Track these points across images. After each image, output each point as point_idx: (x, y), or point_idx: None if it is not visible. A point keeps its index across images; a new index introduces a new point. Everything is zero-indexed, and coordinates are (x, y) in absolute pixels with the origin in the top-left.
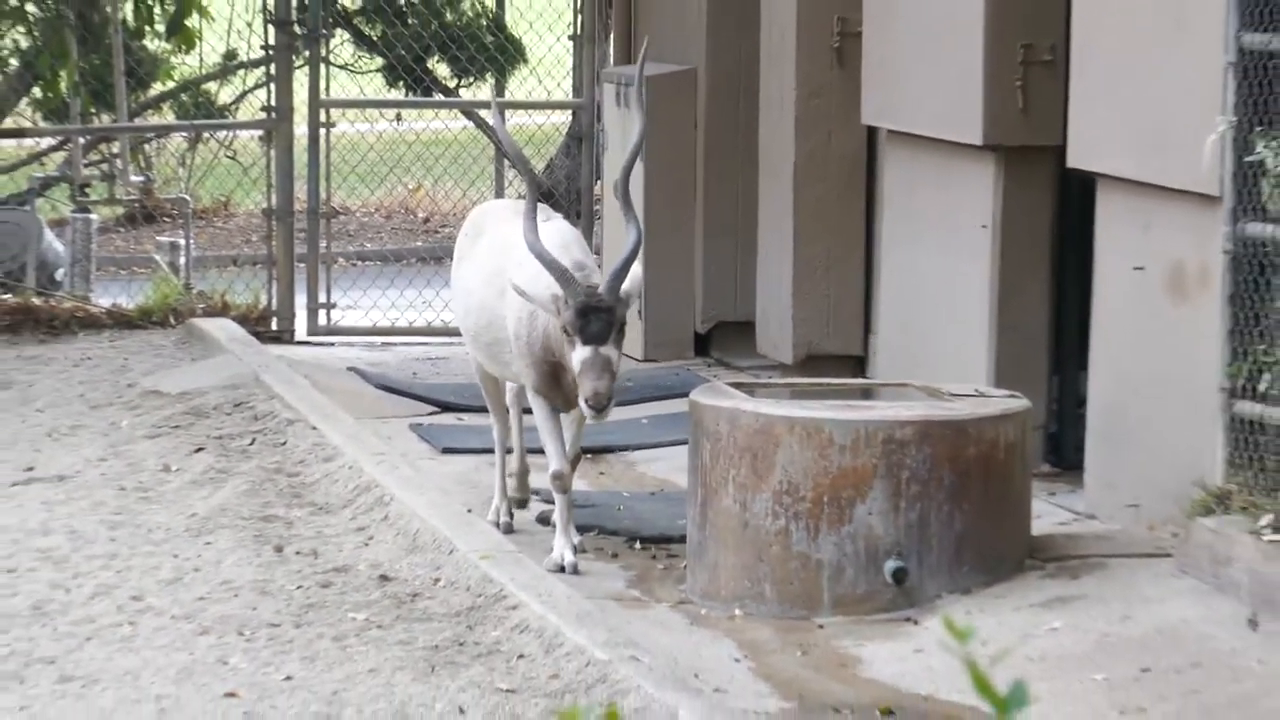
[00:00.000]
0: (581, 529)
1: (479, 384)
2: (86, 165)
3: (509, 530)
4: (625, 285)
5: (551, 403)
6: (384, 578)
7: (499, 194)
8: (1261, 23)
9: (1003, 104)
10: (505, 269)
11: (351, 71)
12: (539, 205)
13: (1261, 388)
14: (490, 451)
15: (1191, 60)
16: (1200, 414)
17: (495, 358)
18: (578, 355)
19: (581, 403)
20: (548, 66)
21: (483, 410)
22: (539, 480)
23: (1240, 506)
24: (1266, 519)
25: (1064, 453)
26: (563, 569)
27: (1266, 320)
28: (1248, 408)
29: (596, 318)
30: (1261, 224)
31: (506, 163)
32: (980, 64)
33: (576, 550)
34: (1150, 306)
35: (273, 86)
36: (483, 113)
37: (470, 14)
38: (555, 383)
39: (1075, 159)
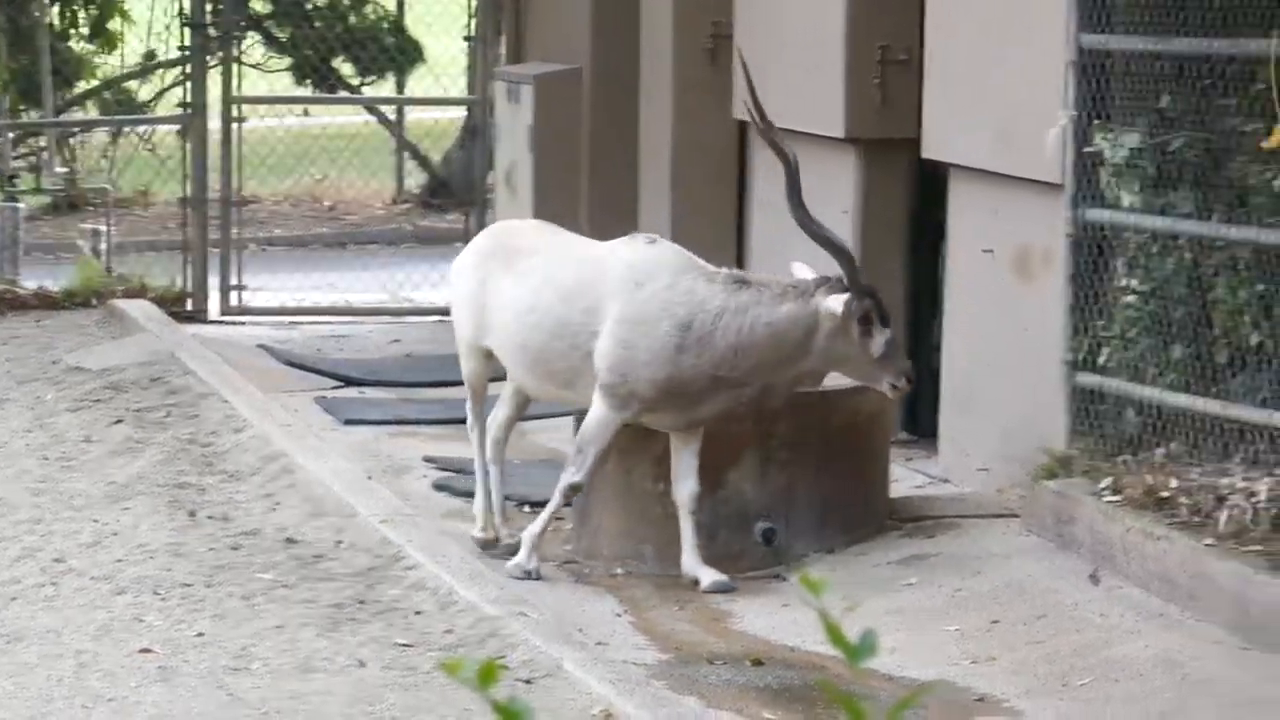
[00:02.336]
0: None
1: (471, 409)
2: (15, 158)
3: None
4: None
5: (672, 422)
6: (290, 540)
7: (399, 184)
8: (1099, 24)
9: (862, 100)
10: (597, 283)
11: (262, 70)
12: (644, 235)
13: (1100, 360)
14: (390, 424)
15: (1035, 59)
16: (1045, 385)
17: (556, 377)
18: (880, 340)
19: (890, 386)
20: (444, 66)
21: (380, 384)
22: (427, 448)
23: (1082, 470)
24: (1106, 482)
25: (920, 421)
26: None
27: (1105, 298)
28: (1088, 379)
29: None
30: (1100, 210)
31: (406, 154)
32: (841, 64)
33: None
34: (999, 286)
35: (189, 84)
36: (383, 108)
37: (373, 17)
38: (689, 403)
39: (929, 150)
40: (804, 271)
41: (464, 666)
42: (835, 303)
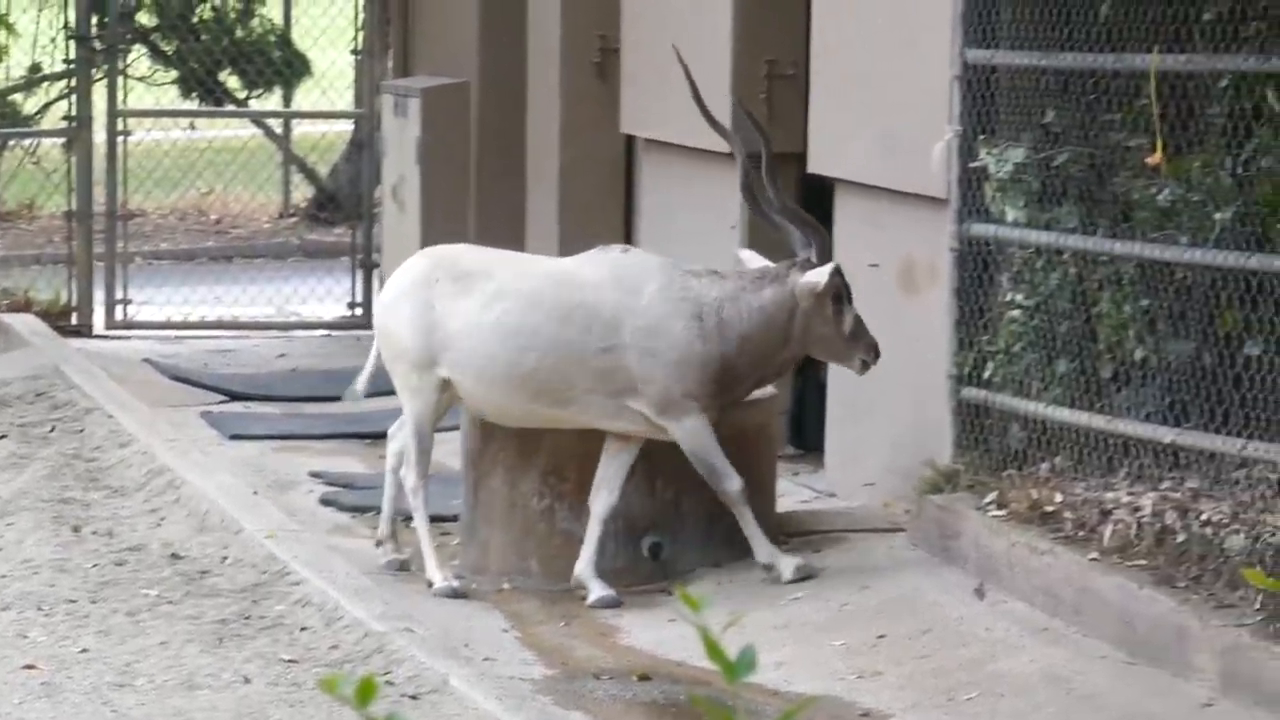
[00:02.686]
0: (361, 509)
1: (421, 439)
2: None
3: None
4: None
5: (710, 417)
6: (175, 556)
7: (286, 197)
8: (984, 39)
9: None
10: (591, 300)
11: (148, 83)
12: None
13: (986, 375)
14: (276, 438)
15: (920, 73)
16: (930, 399)
17: (548, 395)
18: (851, 317)
19: (861, 364)
20: (331, 79)
21: (267, 399)
22: (314, 463)
23: (967, 485)
24: (991, 496)
25: (806, 435)
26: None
27: (990, 313)
28: (973, 393)
29: None
30: (985, 224)
31: (293, 168)
32: (728, 78)
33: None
34: (884, 300)
35: (74, 98)
36: (270, 121)
37: (259, 30)
38: (726, 390)
39: (815, 165)
40: (755, 259)
41: (342, 683)
42: (817, 275)
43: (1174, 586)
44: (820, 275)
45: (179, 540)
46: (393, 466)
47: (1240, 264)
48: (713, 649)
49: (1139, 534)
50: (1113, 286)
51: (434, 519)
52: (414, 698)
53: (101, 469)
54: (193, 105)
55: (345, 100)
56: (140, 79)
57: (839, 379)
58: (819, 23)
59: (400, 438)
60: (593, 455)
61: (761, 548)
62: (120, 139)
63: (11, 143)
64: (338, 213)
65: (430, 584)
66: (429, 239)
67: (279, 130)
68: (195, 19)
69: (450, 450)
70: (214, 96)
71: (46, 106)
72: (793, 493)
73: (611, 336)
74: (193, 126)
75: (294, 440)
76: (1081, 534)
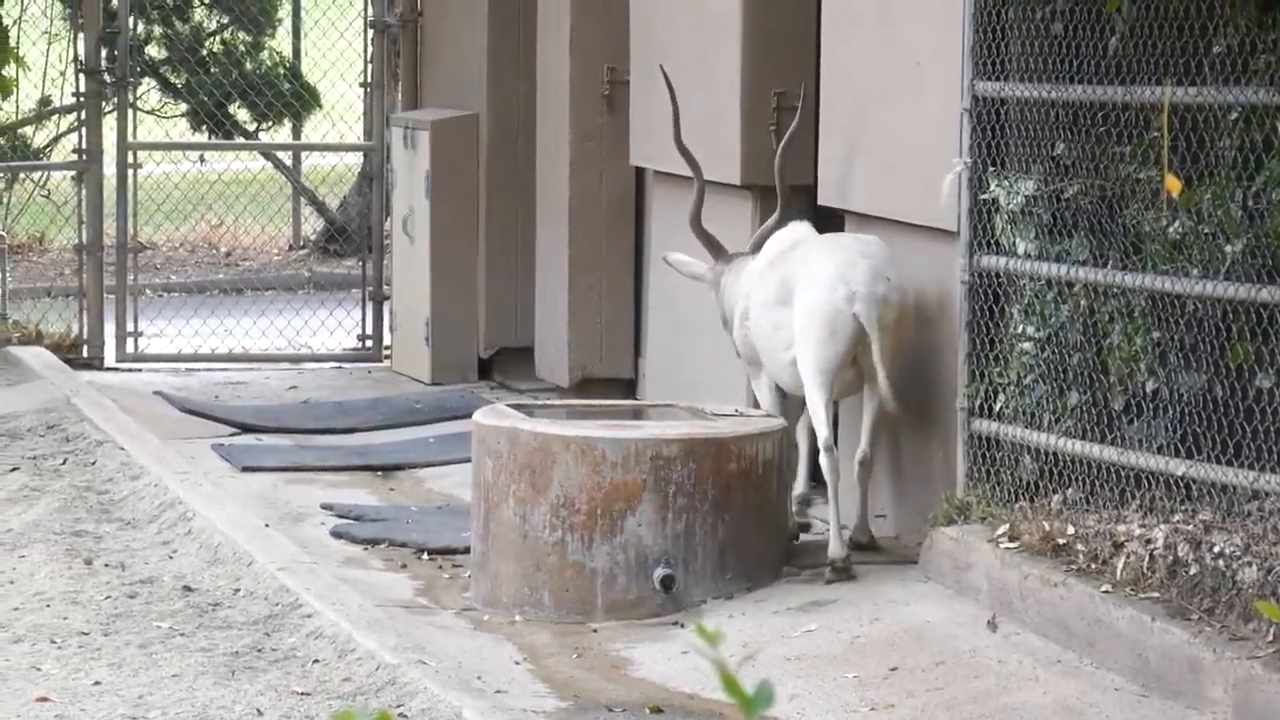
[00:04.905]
0: (372, 542)
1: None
2: None
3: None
4: None
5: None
6: (187, 588)
7: (296, 230)
8: (993, 72)
9: (758, 147)
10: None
11: (158, 116)
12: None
13: (996, 407)
14: (288, 470)
15: (930, 106)
16: (942, 431)
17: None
18: None
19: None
20: (341, 111)
21: (278, 431)
22: (325, 494)
23: (979, 517)
24: (1002, 528)
25: (817, 467)
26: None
27: (1000, 345)
28: (984, 426)
29: None
30: (995, 256)
31: (303, 200)
32: (738, 111)
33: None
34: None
35: (84, 130)
36: (280, 154)
37: (269, 63)
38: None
39: (825, 197)
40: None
41: (356, 716)
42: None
43: (1187, 619)
44: None
45: (191, 572)
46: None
47: (1251, 296)
48: (730, 683)
49: (1151, 566)
50: (1124, 319)
51: (445, 551)
52: None
53: (113, 501)
54: (202, 138)
55: (355, 133)
56: (150, 112)
57: (849, 413)
58: (828, 54)
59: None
60: (603, 488)
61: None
62: (130, 172)
63: (22, 175)
64: (348, 245)
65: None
66: (439, 271)
67: (289, 163)
68: (205, 52)
69: (460, 482)
70: (224, 129)
71: (57, 139)
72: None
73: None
74: (202, 159)
75: (306, 472)
76: (1094, 566)
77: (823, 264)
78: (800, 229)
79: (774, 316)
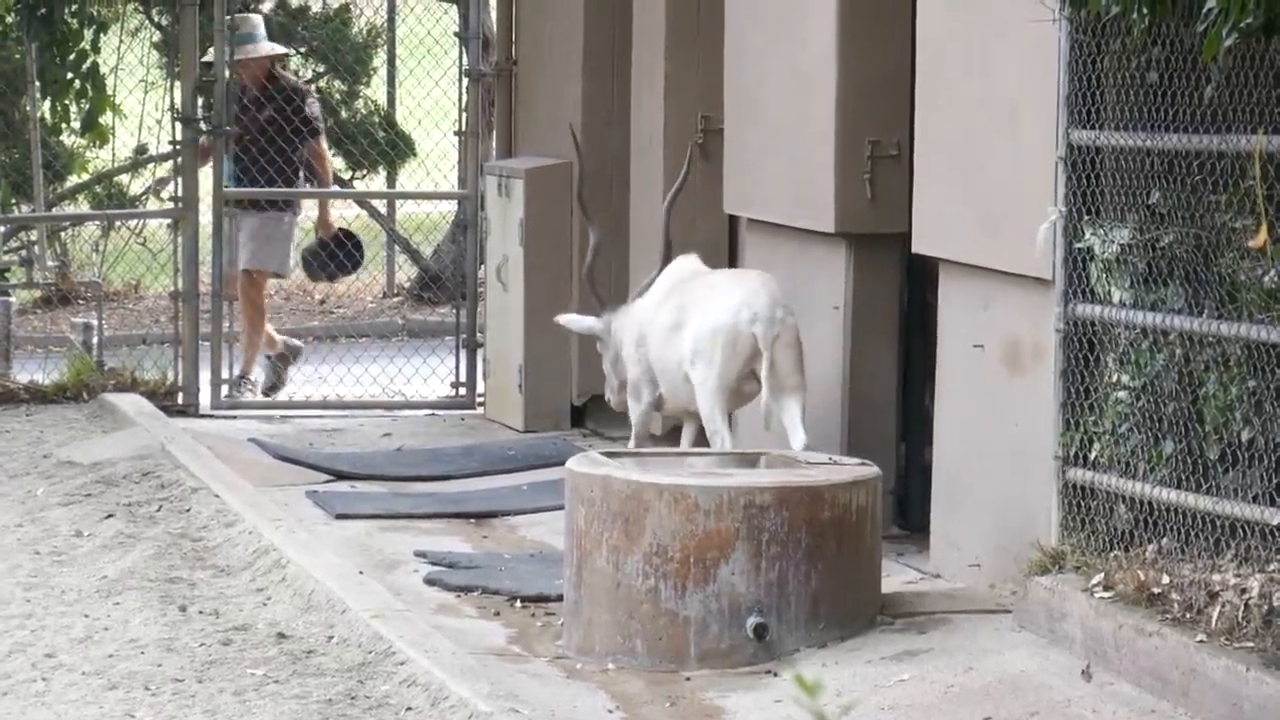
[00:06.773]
0: (465, 589)
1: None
2: (6, 252)
3: None
4: None
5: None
6: (281, 635)
7: (390, 277)
8: (1088, 121)
9: (852, 195)
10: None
11: None
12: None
13: (1091, 456)
14: (382, 518)
15: (1025, 155)
16: (1036, 480)
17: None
18: None
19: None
20: (435, 160)
21: (372, 478)
22: (419, 542)
23: (1074, 566)
24: (1097, 578)
25: (911, 516)
26: None
27: (1095, 394)
28: (1079, 474)
29: None
30: (1090, 305)
31: (397, 248)
32: (832, 159)
33: None
34: (989, 380)
35: (180, 178)
36: (374, 201)
37: (364, 111)
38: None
39: (919, 245)
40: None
41: None
42: None
43: None
44: None
45: (285, 620)
46: None
47: None
48: None
49: (1247, 616)
50: (1219, 367)
51: (538, 599)
52: None
53: (208, 548)
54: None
55: (449, 181)
56: None
57: (943, 459)
58: (922, 103)
59: None
60: (696, 536)
61: None
62: (226, 219)
63: (118, 223)
64: (441, 293)
65: None
66: (532, 319)
67: (383, 210)
68: None
69: (553, 530)
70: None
71: (158, 186)
72: (898, 573)
73: None
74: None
75: (399, 519)
76: (1189, 616)
77: (729, 290)
78: (691, 261)
79: (674, 338)
